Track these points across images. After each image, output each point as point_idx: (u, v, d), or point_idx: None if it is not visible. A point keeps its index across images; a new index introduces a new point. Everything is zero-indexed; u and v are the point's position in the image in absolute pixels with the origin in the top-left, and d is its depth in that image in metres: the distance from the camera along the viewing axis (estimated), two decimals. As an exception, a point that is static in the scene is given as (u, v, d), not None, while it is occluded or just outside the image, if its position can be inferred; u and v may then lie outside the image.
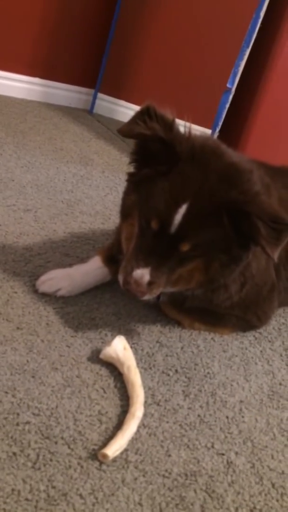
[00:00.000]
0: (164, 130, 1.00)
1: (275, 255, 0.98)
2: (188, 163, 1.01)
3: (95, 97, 2.84)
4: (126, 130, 1.03)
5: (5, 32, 2.53)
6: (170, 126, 1.00)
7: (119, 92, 2.90)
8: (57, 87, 2.80)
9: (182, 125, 1.04)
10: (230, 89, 2.06)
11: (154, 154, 1.03)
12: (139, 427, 0.96)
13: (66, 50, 2.75)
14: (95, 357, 1.09)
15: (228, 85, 2.05)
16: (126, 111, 2.93)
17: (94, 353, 1.10)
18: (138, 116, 1.02)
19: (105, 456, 0.86)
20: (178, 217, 0.99)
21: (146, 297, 1.06)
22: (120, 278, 1.06)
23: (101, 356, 1.07)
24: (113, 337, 1.12)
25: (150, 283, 1.03)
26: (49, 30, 2.65)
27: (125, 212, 1.15)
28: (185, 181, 1.01)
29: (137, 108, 3.11)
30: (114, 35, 2.71)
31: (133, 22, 2.73)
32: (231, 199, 0.99)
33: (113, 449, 0.87)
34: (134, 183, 1.11)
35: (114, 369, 1.07)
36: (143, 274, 1.02)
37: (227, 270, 1.09)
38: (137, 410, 0.96)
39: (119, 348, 1.07)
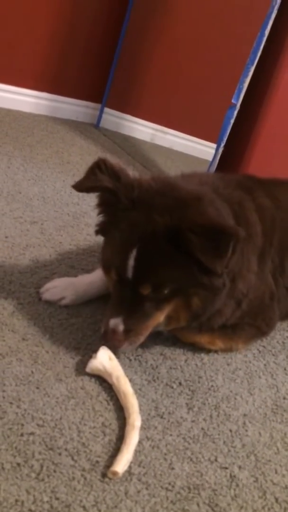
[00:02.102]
0: (111, 180, 1.04)
1: (218, 267, 0.96)
2: (133, 209, 1.04)
3: (101, 112, 2.89)
4: (78, 185, 1.07)
5: (14, 48, 2.59)
6: (117, 176, 1.04)
7: (125, 106, 2.94)
8: (65, 102, 2.84)
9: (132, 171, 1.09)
10: (235, 105, 2.08)
11: (110, 204, 1.08)
12: (142, 439, 0.96)
13: (73, 65, 2.80)
14: (99, 369, 1.09)
15: (233, 101, 2.08)
16: (132, 125, 2.98)
17: (98, 364, 1.11)
18: (90, 171, 1.07)
19: (115, 473, 0.86)
20: (131, 263, 1.01)
21: (128, 348, 1.07)
22: (102, 331, 1.08)
23: (88, 369, 1.06)
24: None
25: (127, 332, 1.03)
26: (57, 46, 2.70)
27: (103, 265, 1.17)
28: (132, 227, 1.03)
29: (142, 122, 3.14)
30: (121, 51, 2.76)
31: (139, 39, 2.78)
32: (167, 228, 0.99)
33: (122, 465, 0.87)
34: (101, 234, 1.15)
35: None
36: (116, 323, 1.03)
37: (208, 301, 1.08)
38: (135, 420, 0.97)
39: (105, 359, 1.07)
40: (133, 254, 1.01)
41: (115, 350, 1.08)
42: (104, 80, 2.86)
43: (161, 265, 1.02)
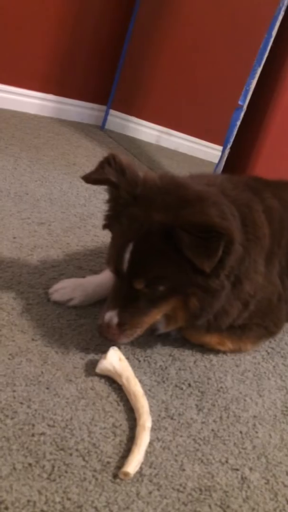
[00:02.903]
0: (116, 175, 1.05)
1: (206, 266, 0.95)
2: (134, 204, 1.05)
3: (107, 114, 2.89)
4: (86, 177, 1.10)
5: (21, 50, 2.60)
6: (123, 172, 1.06)
7: (130, 108, 2.95)
8: (70, 104, 2.85)
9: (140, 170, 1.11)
10: (241, 106, 2.08)
11: (115, 199, 1.10)
12: (152, 440, 0.96)
13: (79, 68, 2.81)
14: (109, 370, 1.09)
15: (239, 103, 2.08)
16: (137, 127, 2.98)
17: (107, 365, 1.10)
18: (99, 164, 1.09)
19: (127, 474, 0.86)
20: (127, 257, 1.02)
21: (123, 340, 1.08)
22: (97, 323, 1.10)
23: (97, 370, 1.06)
24: (126, 349, 1.12)
25: (121, 325, 1.05)
26: (63, 48, 2.71)
27: (107, 259, 1.18)
28: (130, 222, 1.05)
29: (148, 124, 3.12)
30: (127, 53, 2.76)
31: (145, 41, 2.79)
32: (162, 225, 0.99)
33: (133, 466, 0.87)
34: (107, 228, 1.16)
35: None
36: (111, 316, 1.05)
37: (206, 303, 1.07)
38: (146, 421, 0.96)
39: (115, 359, 1.06)
40: (129, 249, 1.02)
41: (110, 342, 1.09)
42: (109, 82, 2.86)
43: (155, 262, 1.02)
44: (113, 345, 1.10)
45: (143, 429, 0.94)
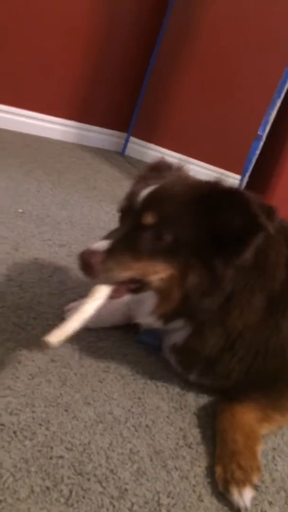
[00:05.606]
0: None
1: (264, 220, 0.87)
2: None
3: (127, 140, 2.95)
4: None
5: (46, 78, 2.69)
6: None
7: (150, 136, 3.01)
8: (92, 130, 2.92)
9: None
10: (261, 136, 2.12)
11: None
12: (170, 469, 0.94)
13: (102, 95, 2.89)
14: (127, 394, 1.08)
15: (259, 133, 2.11)
16: (156, 154, 3.03)
17: (126, 389, 1.10)
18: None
19: (46, 344, 0.84)
20: (147, 191, 0.98)
21: (99, 275, 0.92)
22: None
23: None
24: (142, 374, 1.11)
25: (105, 255, 0.91)
26: (86, 77, 2.80)
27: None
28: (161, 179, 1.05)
29: (167, 152, 3.17)
30: (148, 83, 2.84)
31: (167, 71, 2.86)
32: (211, 189, 0.95)
33: (54, 335, 0.85)
34: None
35: (146, 407, 1.06)
36: (102, 244, 0.92)
37: (202, 284, 0.95)
38: (99, 292, 0.92)
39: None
40: (150, 188, 0.98)
41: (88, 277, 0.94)
42: (131, 111, 2.94)
43: (175, 205, 0.96)
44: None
45: (90, 301, 0.91)
